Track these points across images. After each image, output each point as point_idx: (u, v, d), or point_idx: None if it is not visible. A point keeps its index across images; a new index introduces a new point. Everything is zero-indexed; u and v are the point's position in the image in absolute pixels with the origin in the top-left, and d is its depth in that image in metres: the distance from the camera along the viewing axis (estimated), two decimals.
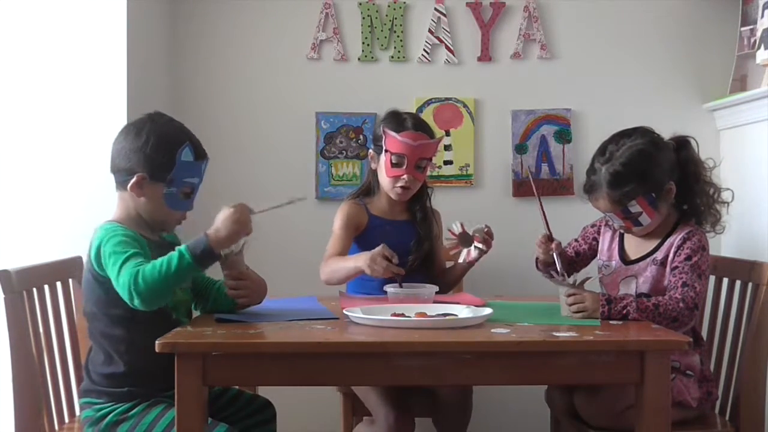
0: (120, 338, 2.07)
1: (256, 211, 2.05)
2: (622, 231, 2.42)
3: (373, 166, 2.72)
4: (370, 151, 2.74)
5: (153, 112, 2.18)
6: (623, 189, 2.26)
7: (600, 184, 2.30)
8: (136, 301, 1.93)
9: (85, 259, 2.13)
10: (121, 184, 2.13)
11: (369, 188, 2.76)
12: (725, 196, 2.39)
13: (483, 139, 3.33)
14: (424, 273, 2.68)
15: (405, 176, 2.61)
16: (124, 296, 1.94)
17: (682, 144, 2.38)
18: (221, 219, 2.01)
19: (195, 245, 1.97)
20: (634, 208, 2.28)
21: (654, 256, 2.33)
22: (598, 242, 2.54)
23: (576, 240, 2.61)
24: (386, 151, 2.62)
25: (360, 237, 2.68)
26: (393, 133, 2.60)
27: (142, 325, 2.02)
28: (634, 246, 2.41)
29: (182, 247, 1.97)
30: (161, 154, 2.09)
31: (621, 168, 2.27)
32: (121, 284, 1.94)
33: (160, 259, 1.94)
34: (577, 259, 2.59)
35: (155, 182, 2.10)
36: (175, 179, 2.11)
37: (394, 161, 2.61)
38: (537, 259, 2.56)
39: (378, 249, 2.43)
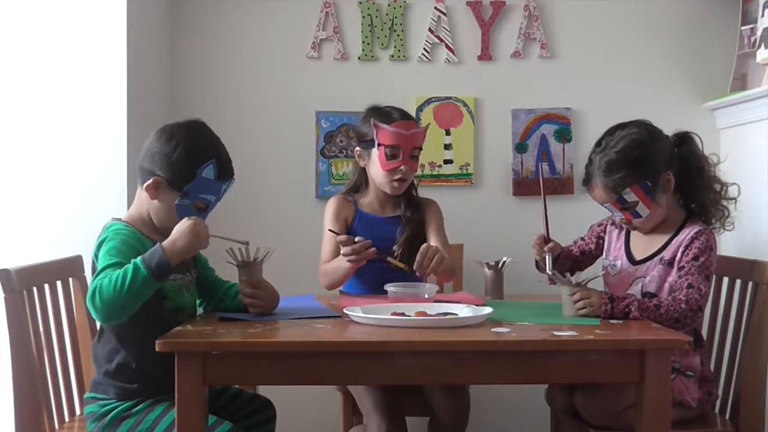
0: (125, 335, 2.08)
1: (211, 233, 2.03)
2: (625, 226, 2.42)
3: (361, 164, 2.70)
4: (357, 149, 2.70)
5: (193, 120, 2.18)
6: (616, 176, 2.27)
7: (595, 173, 2.32)
8: (94, 315, 1.92)
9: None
10: (140, 182, 2.15)
11: (356, 187, 2.75)
12: (732, 191, 2.39)
13: (483, 138, 3.33)
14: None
15: (402, 167, 2.59)
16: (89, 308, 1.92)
17: (683, 139, 2.39)
18: (178, 230, 1.99)
19: (150, 257, 1.93)
20: (630, 196, 2.28)
21: (661, 255, 2.33)
22: (603, 240, 2.55)
23: (582, 239, 2.62)
24: (379, 145, 2.60)
25: (347, 233, 2.66)
26: (384, 126, 2.58)
27: (143, 323, 2.02)
28: (641, 245, 2.40)
29: (138, 259, 1.92)
30: (184, 166, 2.09)
31: (614, 155, 2.29)
32: (89, 294, 1.91)
33: (117, 272, 1.89)
34: (582, 258, 2.61)
35: (171, 189, 2.10)
36: (190, 192, 2.10)
37: (389, 153, 2.59)
38: (536, 260, 2.56)
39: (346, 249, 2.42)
